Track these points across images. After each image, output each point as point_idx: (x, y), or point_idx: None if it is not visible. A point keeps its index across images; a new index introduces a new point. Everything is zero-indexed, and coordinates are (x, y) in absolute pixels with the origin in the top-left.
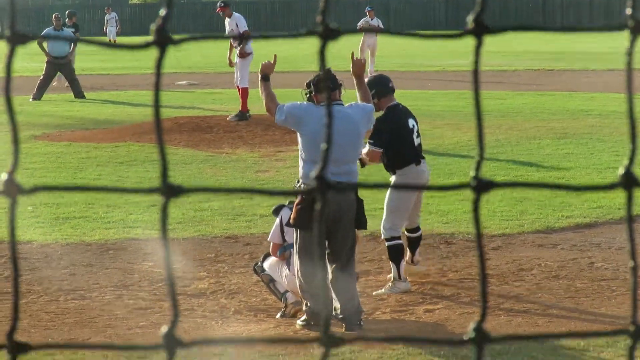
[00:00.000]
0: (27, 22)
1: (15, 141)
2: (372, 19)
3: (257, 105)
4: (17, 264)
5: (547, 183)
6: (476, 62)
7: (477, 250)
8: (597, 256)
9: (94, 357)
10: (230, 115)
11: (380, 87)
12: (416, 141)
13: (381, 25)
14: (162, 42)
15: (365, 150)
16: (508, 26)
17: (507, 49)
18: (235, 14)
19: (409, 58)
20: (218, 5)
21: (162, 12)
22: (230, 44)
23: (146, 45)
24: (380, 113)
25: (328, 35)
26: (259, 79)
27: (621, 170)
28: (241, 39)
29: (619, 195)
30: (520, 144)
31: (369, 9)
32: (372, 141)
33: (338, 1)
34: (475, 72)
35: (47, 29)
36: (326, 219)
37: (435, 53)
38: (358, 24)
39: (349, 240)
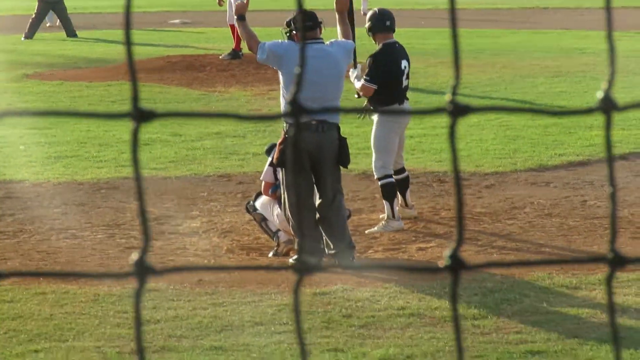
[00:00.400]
0: None
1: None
2: None
3: None
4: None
5: (525, 108)
6: (452, 5)
7: (454, 180)
8: (590, 194)
9: (84, 298)
10: (223, 54)
11: (374, 23)
12: (404, 82)
13: None
14: None
15: (358, 84)
16: None
17: None
18: None
19: None
20: None
21: None
22: None
23: None
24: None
25: None
26: (235, 19)
27: (600, 94)
28: None
29: (613, 133)
30: (514, 82)
31: None
32: (367, 77)
33: None
34: (452, 15)
35: None
36: (309, 156)
37: None
38: None
39: (334, 177)
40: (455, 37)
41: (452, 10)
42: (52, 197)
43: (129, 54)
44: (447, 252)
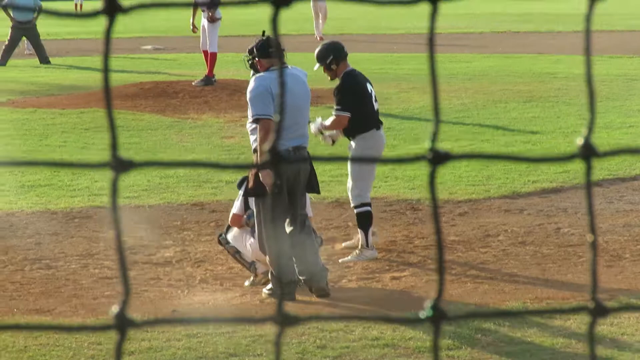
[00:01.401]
0: None
1: None
2: None
3: (223, 70)
4: None
5: (504, 154)
6: (431, 29)
7: (435, 227)
8: (564, 221)
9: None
10: (195, 80)
11: (337, 53)
12: (375, 105)
13: None
14: (111, 10)
15: (329, 120)
16: None
17: (473, 10)
18: None
19: (374, 21)
20: None
21: None
22: (193, 9)
23: (95, 14)
24: (336, 82)
25: (280, 2)
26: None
27: (580, 141)
28: (205, 5)
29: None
30: (487, 107)
31: None
32: (338, 107)
33: None
34: (431, 40)
35: None
36: (286, 183)
37: (401, 15)
38: None
39: (302, 203)
40: (435, 88)
41: (432, 60)
42: (25, 226)
43: (109, 110)
44: (428, 303)
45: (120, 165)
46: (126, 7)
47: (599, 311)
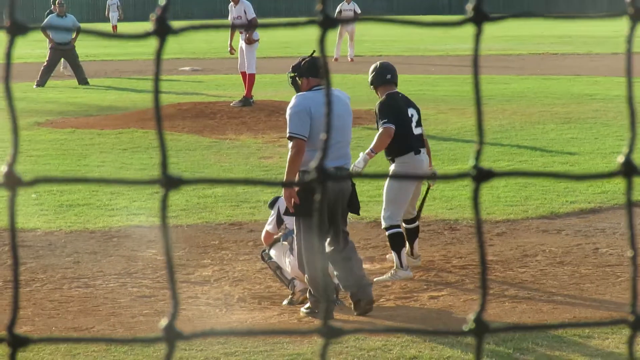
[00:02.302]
0: (31, 8)
1: (15, 131)
2: (348, 4)
3: (261, 91)
4: (17, 258)
5: (546, 172)
6: (476, 50)
7: (477, 241)
8: (602, 242)
9: (96, 347)
10: (234, 101)
11: (375, 77)
12: (415, 130)
13: (357, 10)
14: (162, 32)
15: (378, 133)
16: (507, 14)
17: (512, 33)
18: (244, 1)
19: (412, 43)
20: None
21: (162, 0)
22: (231, 31)
23: (146, 35)
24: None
25: (327, 23)
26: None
27: (621, 159)
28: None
29: (623, 180)
30: (525, 128)
31: None
32: (384, 120)
33: None
34: (475, 61)
35: (50, 16)
36: (327, 203)
37: (439, 37)
38: (337, 10)
39: (344, 222)
40: (479, 107)
41: (476, 82)
42: (64, 245)
43: (159, 129)
44: (471, 316)
45: (170, 182)
46: (177, 29)
47: (639, 324)
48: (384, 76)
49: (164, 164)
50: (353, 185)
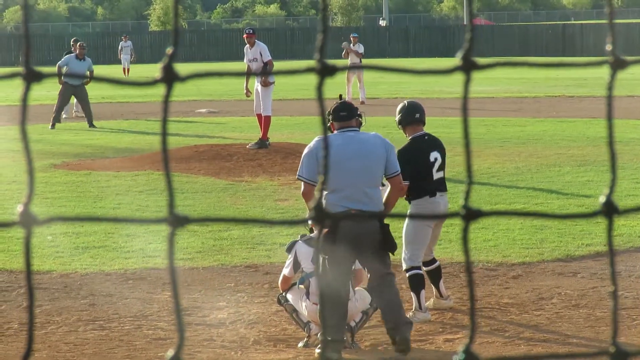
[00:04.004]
0: (47, 49)
1: (30, 173)
2: (354, 44)
3: (277, 133)
4: (32, 300)
5: (531, 212)
6: (465, 94)
7: (467, 275)
8: (618, 284)
9: None
10: (250, 143)
11: (402, 117)
12: (435, 175)
13: (361, 51)
14: (169, 79)
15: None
16: (494, 64)
17: (527, 75)
18: (259, 43)
19: (428, 85)
20: (245, 31)
21: (169, 50)
22: (247, 74)
23: (154, 83)
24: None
25: (325, 71)
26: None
27: (602, 199)
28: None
29: (634, 224)
30: (540, 171)
31: (355, 35)
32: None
33: (338, 30)
34: (465, 105)
35: (69, 56)
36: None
37: (453, 80)
38: (342, 46)
39: (382, 263)
40: (467, 146)
41: (465, 123)
42: (79, 287)
43: (166, 168)
44: (460, 348)
45: (176, 221)
46: (183, 76)
47: (619, 356)
48: (413, 115)
49: (171, 204)
50: (385, 225)
